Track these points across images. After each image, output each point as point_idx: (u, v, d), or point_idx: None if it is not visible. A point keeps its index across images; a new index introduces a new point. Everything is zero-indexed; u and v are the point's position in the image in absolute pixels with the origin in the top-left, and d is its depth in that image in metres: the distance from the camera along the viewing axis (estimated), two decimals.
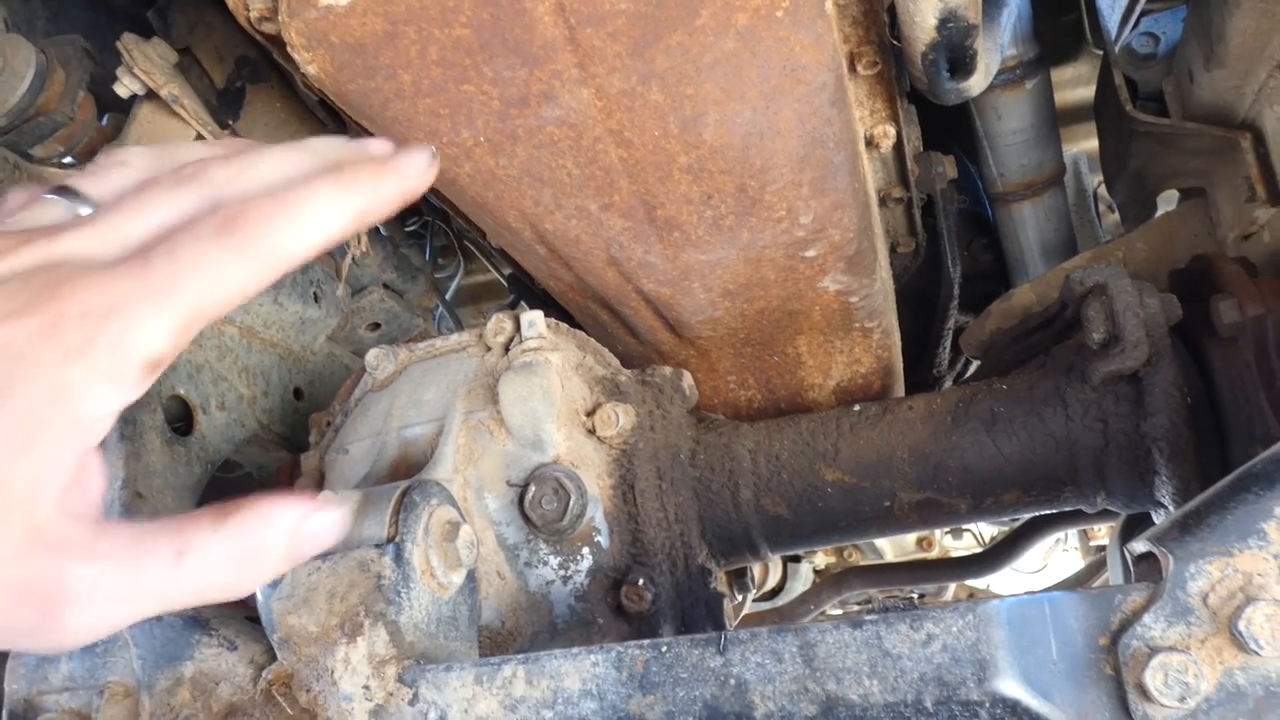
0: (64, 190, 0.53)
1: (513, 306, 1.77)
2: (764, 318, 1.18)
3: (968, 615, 0.63)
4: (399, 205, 0.56)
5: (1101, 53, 1.39)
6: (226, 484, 1.31)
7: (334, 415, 1.17)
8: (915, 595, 2.79)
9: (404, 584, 0.79)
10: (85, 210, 0.53)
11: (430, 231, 1.97)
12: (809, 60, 0.86)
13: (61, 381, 0.45)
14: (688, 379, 1.23)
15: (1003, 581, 2.82)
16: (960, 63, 0.95)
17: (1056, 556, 2.83)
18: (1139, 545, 0.66)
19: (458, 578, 0.85)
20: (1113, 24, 1.29)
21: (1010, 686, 0.61)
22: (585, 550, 1.02)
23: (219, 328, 1.28)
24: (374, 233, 1.65)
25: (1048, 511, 1.19)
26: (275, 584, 0.80)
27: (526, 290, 1.61)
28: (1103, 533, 2.54)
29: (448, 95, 0.87)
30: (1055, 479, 1.07)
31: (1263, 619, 0.58)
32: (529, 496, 0.99)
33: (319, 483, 1.11)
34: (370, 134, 0.93)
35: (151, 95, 1.23)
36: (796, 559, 2.36)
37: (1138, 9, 1.24)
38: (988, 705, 0.61)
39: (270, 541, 0.52)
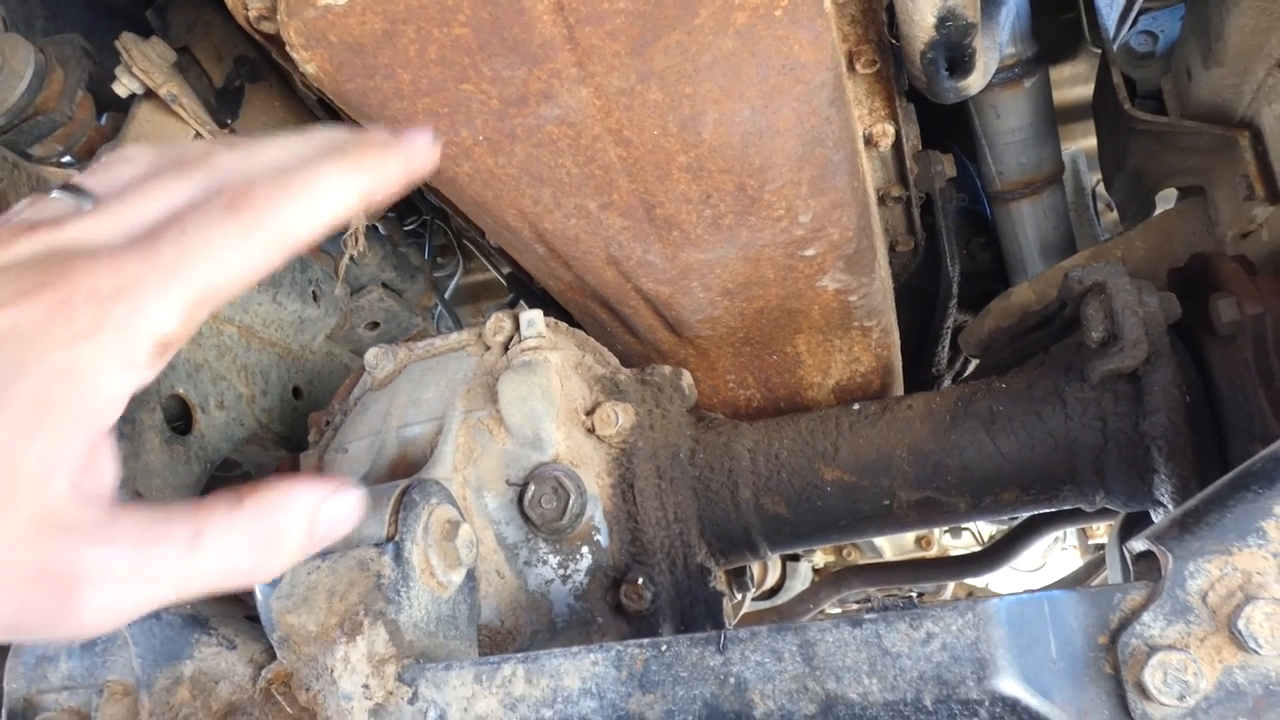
0: (68, 188, 0.53)
1: (512, 305, 1.77)
2: (763, 317, 1.18)
3: (967, 614, 0.63)
4: (403, 186, 0.56)
5: (1100, 51, 1.39)
6: (225, 483, 1.31)
7: (333, 414, 1.17)
8: (914, 594, 2.80)
9: (403, 583, 0.79)
10: (89, 205, 0.53)
11: (429, 230, 1.97)
12: (808, 59, 0.86)
13: (71, 362, 0.44)
14: (687, 378, 1.23)
15: (1001, 580, 2.82)
16: (959, 61, 0.95)
17: (1055, 555, 2.84)
18: (1138, 544, 0.66)
19: (457, 577, 0.85)
20: (1111, 22, 1.29)
21: (1009, 685, 0.61)
22: (584, 549, 1.02)
23: (218, 327, 1.28)
24: (373, 232, 1.65)
25: (1046, 510, 1.19)
26: (275, 583, 0.80)
27: (525, 289, 1.61)
28: (1101, 531, 2.55)
29: (447, 94, 0.87)
30: (1054, 478, 1.07)
31: (1262, 617, 0.58)
32: (528, 495, 0.99)
33: None
34: None
35: (150, 94, 1.23)
36: (795, 558, 2.36)
37: (1136, 7, 1.24)
38: (987, 704, 0.61)
39: (288, 525, 0.51)
